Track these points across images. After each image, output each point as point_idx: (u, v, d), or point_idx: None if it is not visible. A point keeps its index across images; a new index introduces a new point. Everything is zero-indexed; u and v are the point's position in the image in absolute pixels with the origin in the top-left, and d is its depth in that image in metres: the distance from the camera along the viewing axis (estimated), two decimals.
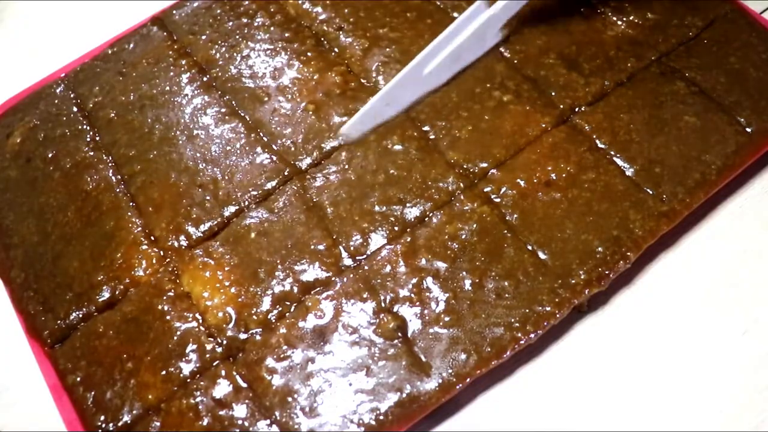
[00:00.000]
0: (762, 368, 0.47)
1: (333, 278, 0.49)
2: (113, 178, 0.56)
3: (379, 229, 0.51)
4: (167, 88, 0.61)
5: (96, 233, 0.53)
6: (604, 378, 0.48)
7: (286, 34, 0.63)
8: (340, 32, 0.62)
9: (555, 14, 0.60)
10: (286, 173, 0.54)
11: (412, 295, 0.48)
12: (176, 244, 0.52)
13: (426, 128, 0.55)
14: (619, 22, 0.59)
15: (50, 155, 0.59)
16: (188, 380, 0.47)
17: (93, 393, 0.47)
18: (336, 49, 0.61)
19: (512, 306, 0.47)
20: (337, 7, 0.63)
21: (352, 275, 0.49)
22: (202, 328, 0.48)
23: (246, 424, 0.45)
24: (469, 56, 0.58)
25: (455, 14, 0.61)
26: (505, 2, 0.57)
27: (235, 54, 0.62)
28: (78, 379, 0.48)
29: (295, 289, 0.49)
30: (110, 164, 0.57)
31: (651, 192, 0.51)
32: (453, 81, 0.57)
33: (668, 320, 0.50)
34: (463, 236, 0.50)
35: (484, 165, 0.53)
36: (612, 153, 0.53)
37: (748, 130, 0.53)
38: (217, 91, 0.60)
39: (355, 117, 0.56)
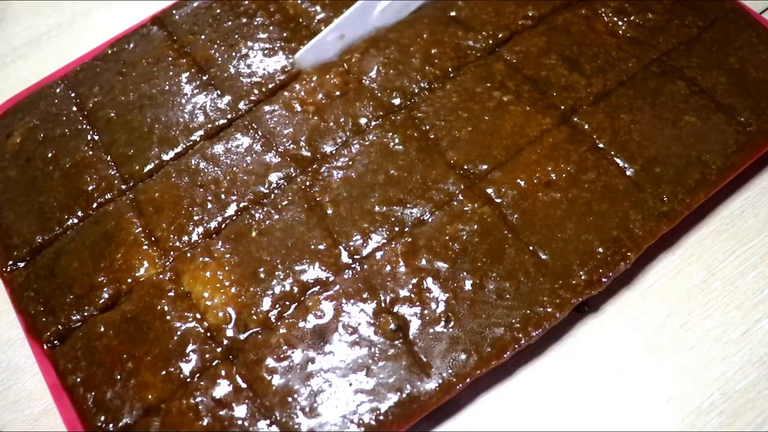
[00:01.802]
0: (762, 368, 0.48)
1: (333, 278, 0.49)
2: (113, 177, 0.56)
3: (380, 229, 0.51)
4: (167, 87, 0.61)
5: (96, 233, 0.53)
6: (605, 378, 0.48)
7: (285, 34, 0.62)
8: None
9: (556, 16, 0.60)
10: (286, 174, 0.54)
11: (412, 296, 0.48)
12: (177, 244, 0.52)
13: (426, 128, 0.55)
14: (620, 23, 0.59)
15: (50, 155, 0.58)
16: (188, 380, 0.47)
17: (93, 393, 0.47)
18: None
19: (513, 306, 0.47)
20: (336, 7, 0.63)
21: (352, 275, 0.49)
22: (202, 328, 0.48)
23: (246, 424, 0.45)
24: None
25: (453, 12, 0.61)
26: None
27: (234, 53, 0.62)
28: (78, 379, 0.48)
29: (295, 289, 0.49)
30: (110, 164, 0.57)
31: (651, 192, 0.51)
32: (453, 81, 0.57)
33: (668, 320, 0.50)
34: (464, 237, 0.50)
35: (485, 166, 0.53)
36: (612, 153, 0.53)
37: (748, 130, 0.53)
38: (216, 90, 0.60)
39: (309, 45, 0.59)
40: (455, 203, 0.51)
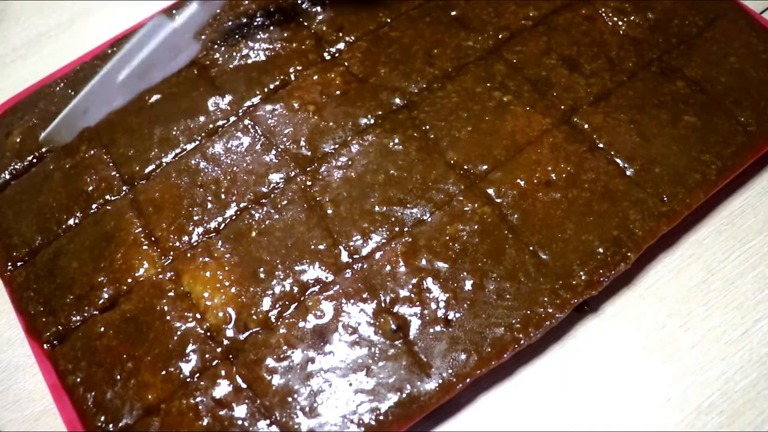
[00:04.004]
0: (762, 368, 0.48)
1: (333, 278, 0.49)
2: (113, 178, 0.56)
3: (380, 229, 0.51)
4: (167, 87, 0.61)
5: (96, 233, 0.53)
6: (605, 378, 0.48)
7: (286, 34, 0.62)
8: (341, 32, 0.62)
9: (557, 16, 0.60)
10: (286, 174, 0.54)
11: (413, 296, 0.48)
12: (177, 244, 0.52)
13: (426, 128, 0.55)
14: (620, 23, 0.59)
15: (50, 155, 0.58)
16: (188, 380, 0.47)
17: (93, 393, 0.47)
18: (336, 49, 0.61)
19: (513, 307, 0.47)
20: (338, 7, 0.63)
21: (352, 275, 0.49)
22: (202, 328, 0.48)
23: (246, 424, 0.45)
24: (167, 67, 0.60)
25: (453, 12, 0.61)
26: (186, 16, 0.58)
27: (234, 53, 0.62)
28: (78, 379, 0.48)
29: (295, 289, 0.49)
30: (110, 164, 0.57)
31: (651, 192, 0.51)
32: (453, 81, 0.57)
33: (668, 320, 0.50)
34: (464, 237, 0.50)
35: (485, 166, 0.53)
36: (612, 153, 0.53)
37: (749, 130, 0.53)
38: (217, 90, 0.60)
39: (54, 124, 0.58)
40: (455, 203, 0.51)
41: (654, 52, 0.58)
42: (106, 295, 0.50)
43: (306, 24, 0.63)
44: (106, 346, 0.48)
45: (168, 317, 0.49)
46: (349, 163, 0.54)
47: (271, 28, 0.63)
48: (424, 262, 0.49)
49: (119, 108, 0.60)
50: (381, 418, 0.44)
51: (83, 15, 0.75)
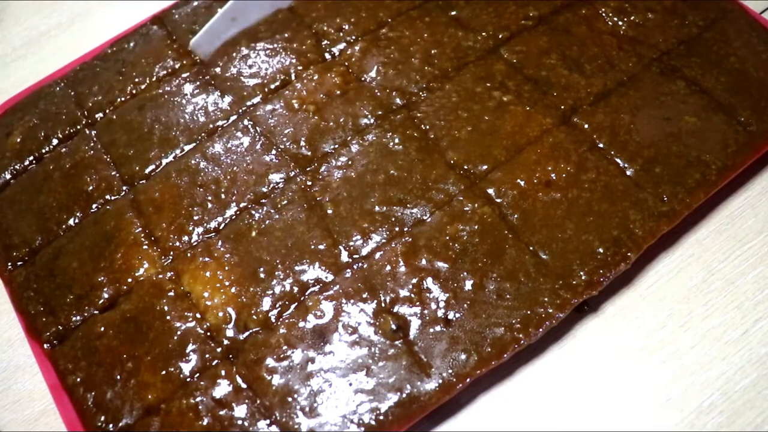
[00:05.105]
0: (762, 368, 0.48)
1: (333, 278, 0.49)
2: (113, 178, 0.56)
3: (380, 229, 0.51)
4: (167, 87, 0.61)
5: (96, 233, 0.53)
6: (604, 378, 0.48)
7: (287, 34, 0.62)
8: (341, 32, 0.62)
9: (557, 16, 0.60)
10: (285, 173, 0.54)
11: (413, 296, 0.48)
12: (177, 244, 0.52)
13: (426, 128, 0.55)
14: (620, 23, 0.59)
15: (50, 155, 0.58)
16: (188, 380, 0.47)
17: (93, 393, 0.47)
18: (336, 49, 0.61)
19: (513, 307, 0.47)
20: (338, 7, 0.63)
21: (352, 275, 0.49)
22: (202, 328, 0.48)
23: (246, 424, 0.45)
24: None
25: (453, 12, 0.61)
26: None
27: (234, 53, 0.62)
28: (78, 379, 0.48)
29: (295, 289, 0.49)
30: (110, 164, 0.57)
31: (651, 192, 0.51)
32: (453, 81, 0.57)
33: (668, 320, 0.50)
34: (464, 237, 0.50)
35: (485, 166, 0.53)
36: (612, 153, 0.53)
37: (749, 130, 0.53)
38: (217, 90, 0.60)
39: (203, 31, 0.60)
40: (455, 203, 0.51)
41: (654, 52, 0.58)
42: (106, 295, 0.50)
43: (307, 23, 0.63)
44: (106, 346, 0.48)
45: (168, 317, 0.49)
46: (349, 163, 0.54)
47: (272, 27, 0.63)
48: (424, 262, 0.49)
49: (119, 104, 0.60)
50: (381, 418, 0.44)
51: (83, 15, 0.75)
